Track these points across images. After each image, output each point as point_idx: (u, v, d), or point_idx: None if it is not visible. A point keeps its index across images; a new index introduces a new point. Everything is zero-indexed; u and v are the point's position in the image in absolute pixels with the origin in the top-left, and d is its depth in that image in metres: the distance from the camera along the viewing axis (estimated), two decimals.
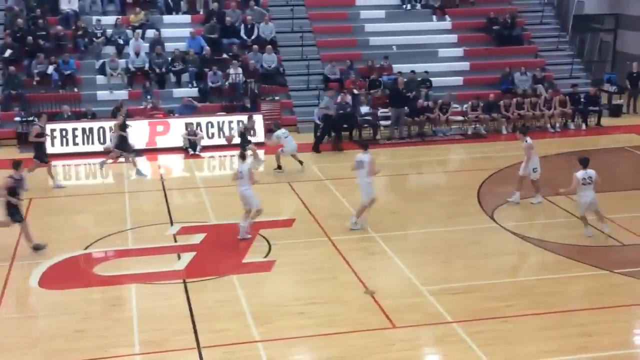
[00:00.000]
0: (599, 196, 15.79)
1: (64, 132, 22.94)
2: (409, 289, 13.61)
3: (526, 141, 17.76)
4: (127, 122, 21.18)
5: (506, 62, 27.35)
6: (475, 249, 15.28)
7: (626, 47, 31.77)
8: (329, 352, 11.51)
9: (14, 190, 15.08)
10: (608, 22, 32.63)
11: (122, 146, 20.72)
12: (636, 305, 13.02)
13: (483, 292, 13.40)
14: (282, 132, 20.91)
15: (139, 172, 20.80)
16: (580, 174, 15.42)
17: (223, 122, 23.80)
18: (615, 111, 27.14)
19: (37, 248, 15.14)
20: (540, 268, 14.63)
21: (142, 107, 24.37)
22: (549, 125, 25.28)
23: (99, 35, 26.09)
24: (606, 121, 26.10)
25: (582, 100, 25.68)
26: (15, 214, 15.14)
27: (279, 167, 20.74)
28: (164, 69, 25.62)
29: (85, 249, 15.61)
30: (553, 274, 14.21)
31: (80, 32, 26.13)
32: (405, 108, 24.35)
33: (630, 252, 15.37)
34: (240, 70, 25.51)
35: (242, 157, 16.48)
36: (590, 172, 15.50)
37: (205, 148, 22.99)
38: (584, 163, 15.59)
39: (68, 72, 24.87)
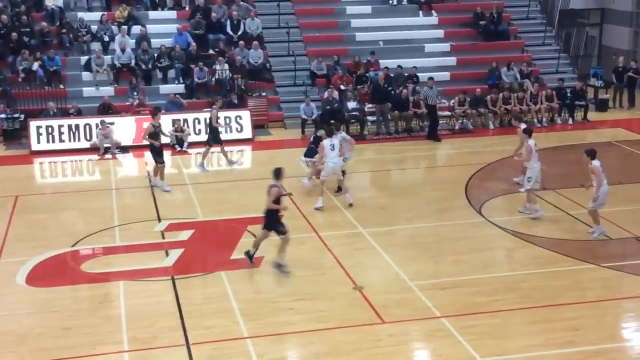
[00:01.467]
0: (585, 190, 15.89)
1: (49, 129, 22.81)
2: (397, 284, 13.63)
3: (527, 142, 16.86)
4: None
5: (493, 57, 27.39)
6: (463, 244, 15.31)
7: (612, 42, 31.92)
8: (318, 347, 11.50)
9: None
10: (594, 17, 32.76)
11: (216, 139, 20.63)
12: (623, 299, 13.09)
13: (471, 287, 13.44)
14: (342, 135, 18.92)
15: (231, 162, 21.02)
16: (597, 163, 15.30)
17: (210, 119, 23.65)
18: (602, 106, 27.26)
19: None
20: (528, 262, 14.68)
21: (128, 103, 24.27)
22: (535, 120, 25.37)
23: (83, 32, 25.91)
24: (592, 115, 26.22)
25: (568, 94, 25.78)
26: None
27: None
28: (150, 65, 25.51)
29: (73, 246, 15.53)
30: (541, 268, 14.28)
31: (65, 29, 25.97)
32: (388, 103, 24.34)
33: (617, 246, 15.46)
34: (226, 66, 25.44)
35: (330, 133, 17.62)
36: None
37: (193, 144, 22.92)
38: (593, 154, 15.44)
39: (53, 68, 24.73)
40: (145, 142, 19.19)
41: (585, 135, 24.22)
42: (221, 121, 21.89)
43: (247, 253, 14.32)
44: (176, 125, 22.82)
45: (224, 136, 21.48)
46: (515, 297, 13.05)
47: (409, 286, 13.48)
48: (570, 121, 25.65)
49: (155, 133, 18.77)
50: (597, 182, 15.56)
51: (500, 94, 25.29)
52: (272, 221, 13.93)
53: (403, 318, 12.32)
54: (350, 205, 17.38)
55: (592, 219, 15.81)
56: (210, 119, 20.67)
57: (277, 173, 13.98)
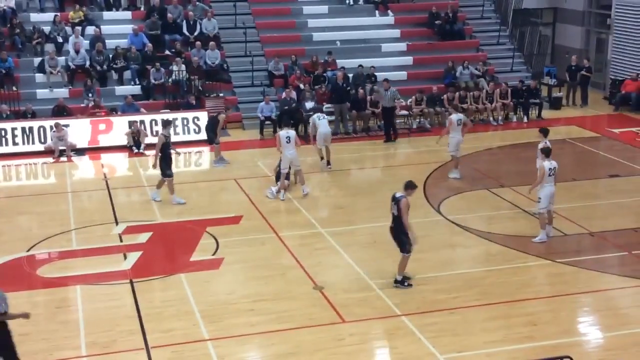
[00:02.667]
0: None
1: (3, 132, 22.41)
2: (357, 283, 13.68)
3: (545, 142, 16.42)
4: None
5: (448, 56, 27.62)
6: (422, 242, 15.30)
7: (564, 41, 32.43)
8: (280, 348, 11.50)
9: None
10: (547, 16, 33.24)
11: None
12: (579, 294, 13.32)
13: (431, 284, 13.55)
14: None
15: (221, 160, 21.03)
16: (547, 164, 15.30)
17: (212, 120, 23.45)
18: (555, 104, 27.66)
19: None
20: (485, 260, 14.86)
21: (83, 105, 23.96)
22: (491, 119, 25.64)
23: (35, 36, 25.47)
24: (547, 113, 26.59)
25: (524, 93, 26.11)
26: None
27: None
28: (105, 67, 25.22)
29: (28, 250, 15.30)
30: (498, 265, 14.45)
31: (17, 30, 25.54)
32: (347, 103, 24.41)
33: (571, 242, 15.71)
34: (183, 67, 25.26)
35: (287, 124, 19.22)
36: (555, 163, 15.48)
37: (150, 146, 22.69)
38: (548, 153, 15.48)
39: (6, 70, 24.28)
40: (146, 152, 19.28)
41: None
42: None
43: (400, 282, 13.41)
44: (133, 127, 22.59)
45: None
46: (474, 294, 13.19)
47: (369, 285, 13.54)
48: (525, 119, 25.99)
49: (167, 144, 18.07)
50: (538, 182, 15.66)
51: (457, 93, 25.51)
52: (403, 235, 13.24)
53: (364, 317, 12.37)
54: (306, 195, 17.94)
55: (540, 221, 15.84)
56: (217, 121, 20.80)
57: (411, 185, 13.33)
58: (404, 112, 25.14)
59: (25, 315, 10.36)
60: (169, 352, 11.41)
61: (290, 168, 18.28)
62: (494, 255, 14.99)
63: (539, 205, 15.33)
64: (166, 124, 18.91)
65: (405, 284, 13.40)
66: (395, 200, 13.20)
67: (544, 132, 16.66)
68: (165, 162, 17.92)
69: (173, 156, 18.36)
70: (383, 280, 13.68)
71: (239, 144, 23.00)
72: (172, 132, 22.29)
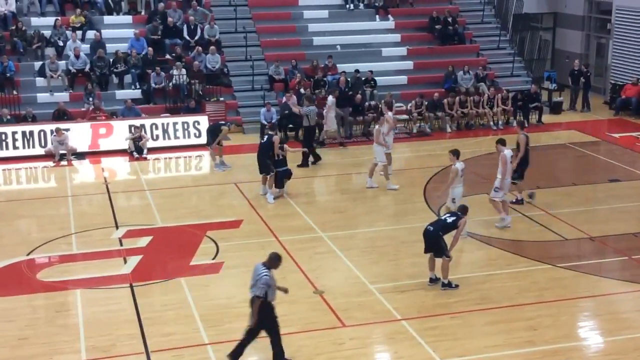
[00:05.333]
0: (541, 192, 16.11)
1: (3, 136, 22.41)
2: (357, 287, 13.67)
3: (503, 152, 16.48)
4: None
5: (449, 60, 27.65)
6: (422, 247, 15.37)
7: (564, 45, 32.48)
8: None
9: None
10: (547, 21, 33.29)
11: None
12: (579, 299, 13.31)
13: (431, 289, 13.54)
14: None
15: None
16: (459, 165, 15.59)
17: (167, 124, 23.54)
18: (556, 108, 27.68)
19: None
20: (486, 264, 14.85)
21: (84, 109, 23.97)
22: (491, 123, 25.65)
23: (35, 40, 25.48)
24: (547, 118, 26.61)
25: (524, 97, 26.09)
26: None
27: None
28: (105, 71, 25.24)
29: (28, 254, 15.29)
30: (498, 269, 14.45)
31: (18, 34, 25.57)
32: (349, 108, 24.42)
33: (572, 247, 15.71)
34: (184, 71, 25.28)
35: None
36: (462, 164, 15.82)
37: (151, 150, 22.72)
38: (458, 154, 15.74)
39: (7, 74, 24.30)
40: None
41: (539, 137, 24.46)
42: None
43: (446, 284, 13.51)
44: (134, 132, 22.59)
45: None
46: (474, 298, 13.19)
47: (369, 289, 13.54)
48: (525, 124, 25.92)
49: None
50: (502, 172, 16.04)
51: (457, 98, 25.53)
52: (442, 241, 13.43)
53: (364, 321, 12.37)
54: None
55: (495, 208, 16.26)
56: (219, 131, 20.84)
57: (465, 210, 13.68)
58: (404, 116, 25.15)
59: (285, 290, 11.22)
60: (169, 356, 11.40)
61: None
62: (494, 259, 14.99)
63: (454, 205, 15.49)
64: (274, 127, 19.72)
65: (453, 285, 13.49)
66: (457, 216, 13.53)
67: (455, 154, 15.78)
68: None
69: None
70: (383, 284, 13.67)
71: (240, 148, 23.00)
72: (183, 136, 22.94)
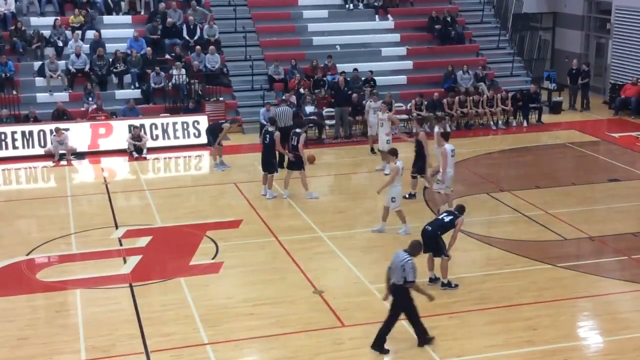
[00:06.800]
0: (541, 191, 16.12)
1: (3, 136, 22.41)
2: (357, 287, 13.68)
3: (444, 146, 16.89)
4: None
5: (448, 60, 27.64)
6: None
7: (564, 45, 32.47)
8: (279, 352, 11.50)
9: None
10: (546, 21, 33.28)
11: None
12: (578, 298, 13.32)
13: (430, 288, 13.50)
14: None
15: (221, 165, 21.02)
16: (399, 164, 15.91)
17: (167, 124, 23.55)
18: (555, 108, 27.68)
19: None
20: (485, 264, 14.86)
21: (83, 109, 23.97)
22: (491, 123, 25.66)
23: (35, 40, 25.46)
24: (546, 118, 26.62)
25: (524, 97, 26.10)
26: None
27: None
28: (105, 71, 25.24)
29: (28, 254, 15.29)
30: (498, 269, 14.46)
31: (18, 34, 25.56)
32: (349, 107, 24.41)
33: (571, 246, 15.71)
34: (183, 71, 25.29)
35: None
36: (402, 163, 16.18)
37: (150, 150, 22.72)
38: (396, 153, 16.20)
39: (6, 74, 24.29)
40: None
41: (539, 137, 24.56)
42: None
43: (445, 284, 13.60)
44: (133, 132, 22.58)
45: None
46: (474, 298, 13.19)
47: (369, 289, 13.54)
48: (525, 124, 25.98)
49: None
50: (442, 165, 16.49)
51: (457, 97, 25.53)
52: (441, 241, 13.50)
53: (363, 321, 12.37)
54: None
55: (439, 200, 16.75)
56: (221, 129, 20.88)
57: (462, 209, 13.74)
58: (404, 116, 25.15)
59: (430, 297, 11.70)
60: (169, 356, 11.40)
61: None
62: (493, 259, 15.00)
63: (393, 205, 15.92)
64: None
65: (452, 285, 13.55)
66: (454, 215, 13.58)
67: (394, 153, 16.39)
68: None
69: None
70: (383, 284, 13.64)
71: (239, 148, 23.02)
72: (182, 135, 23.14)
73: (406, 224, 15.99)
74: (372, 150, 22.01)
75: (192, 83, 25.21)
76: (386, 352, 11.42)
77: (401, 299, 11.35)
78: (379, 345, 11.43)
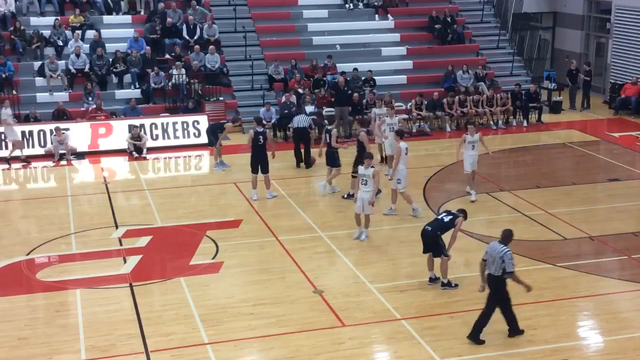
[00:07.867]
0: (541, 191, 16.11)
1: (2, 136, 22.40)
2: (357, 287, 13.67)
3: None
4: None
5: (448, 60, 27.64)
6: (421, 247, 15.37)
7: (564, 45, 32.45)
8: (279, 352, 11.49)
9: None
10: (546, 20, 33.26)
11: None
12: (579, 298, 13.31)
13: (430, 288, 13.54)
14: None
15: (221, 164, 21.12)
16: (402, 145, 16.61)
17: (167, 124, 23.55)
18: (555, 108, 27.68)
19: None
20: None
21: (83, 109, 23.96)
22: (491, 123, 25.66)
23: (35, 40, 25.46)
24: (546, 117, 26.61)
25: (523, 97, 26.12)
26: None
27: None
28: (105, 71, 25.24)
29: (28, 254, 15.29)
30: None
31: (17, 34, 25.56)
32: (349, 107, 24.41)
33: (571, 246, 15.70)
34: (183, 70, 25.28)
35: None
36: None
37: (150, 150, 22.72)
38: (403, 135, 16.97)
39: (6, 74, 24.29)
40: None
41: (539, 137, 24.56)
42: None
43: (445, 284, 13.57)
44: (133, 132, 22.57)
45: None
46: (474, 297, 13.11)
47: (369, 289, 13.54)
48: (525, 123, 25.97)
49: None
50: (395, 163, 16.81)
51: (457, 97, 25.52)
52: (441, 241, 13.52)
53: (363, 321, 12.37)
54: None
55: (405, 200, 16.96)
56: (222, 129, 20.94)
57: (463, 210, 13.80)
58: (404, 115, 25.15)
59: (528, 288, 11.70)
60: (169, 356, 11.40)
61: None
62: None
63: (399, 187, 16.67)
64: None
65: (453, 284, 13.54)
66: (454, 215, 13.58)
67: (400, 134, 17.27)
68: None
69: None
70: (383, 284, 13.67)
71: (239, 147, 22.98)
72: (182, 135, 23.15)
73: (413, 204, 16.74)
74: (383, 159, 20.89)
75: (192, 83, 25.21)
76: (481, 342, 11.56)
77: (499, 289, 11.50)
78: (475, 336, 11.60)
